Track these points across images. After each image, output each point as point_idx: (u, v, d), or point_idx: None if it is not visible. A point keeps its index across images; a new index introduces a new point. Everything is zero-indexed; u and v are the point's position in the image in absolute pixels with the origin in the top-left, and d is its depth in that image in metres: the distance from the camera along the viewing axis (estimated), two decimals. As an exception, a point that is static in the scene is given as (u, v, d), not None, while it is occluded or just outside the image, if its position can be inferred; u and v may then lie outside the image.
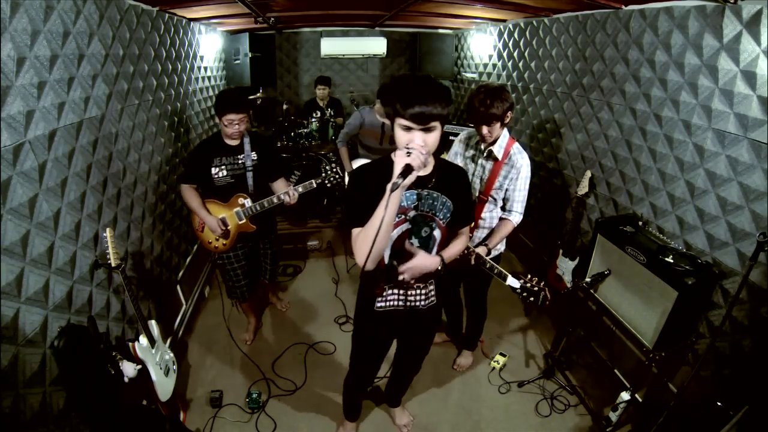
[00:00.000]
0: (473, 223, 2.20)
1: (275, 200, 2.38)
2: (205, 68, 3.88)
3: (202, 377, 2.66)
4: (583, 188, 2.79)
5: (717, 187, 1.98)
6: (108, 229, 1.80)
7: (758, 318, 1.81)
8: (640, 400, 2.24)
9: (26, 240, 1.50)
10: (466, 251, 1.99)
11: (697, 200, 2.09)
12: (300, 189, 2.38)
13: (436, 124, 1.29)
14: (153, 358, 1.99)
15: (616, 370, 2.48)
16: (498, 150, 2.08)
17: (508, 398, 2.55)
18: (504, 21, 4.00)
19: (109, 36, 2.08)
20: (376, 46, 5.64)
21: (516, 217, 2.15)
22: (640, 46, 2.37)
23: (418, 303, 1.63)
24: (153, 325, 2.08)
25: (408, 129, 1.28)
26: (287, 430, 2.33)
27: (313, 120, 4.74)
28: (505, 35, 4.07)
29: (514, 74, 3.95)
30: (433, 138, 1.31)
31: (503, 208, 2.20)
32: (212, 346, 2.92)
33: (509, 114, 2.01)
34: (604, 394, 2.47)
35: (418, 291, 1.61)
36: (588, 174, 2.80)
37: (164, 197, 2.88)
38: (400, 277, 1.47)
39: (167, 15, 2.89)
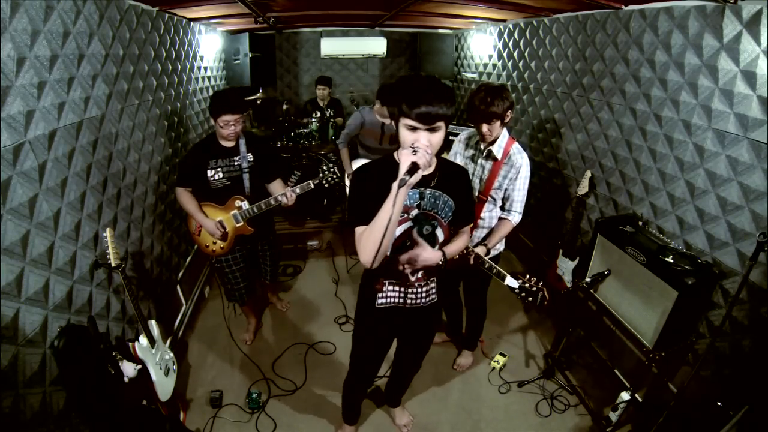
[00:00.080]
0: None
1: (273, 202, 2.36)
2: (205, 68, 3.88)
3: (202, 377, 2.66)
4: (583, 188, 2.79)
5: (717, 187, 1.98)
6: (108, 229, 1.80)
7: (758, 318, 1.81)
8: (640, 400, 2.24)
9: (26, 240, 1.50)
10: (465, 251, 1.99)
11: (697, 200, 2.09)
12: (297, 190, 2.36)
13: (441, 124, 1.29)
14: (153, 358, 1.99)
15: (616, 370, 2.48)
16: (497, 150, 2.08)
17: (508, 398, 2.55)
18: (504, 21, 4.00)
19: (109, 36, 2.08)
20: (376, 46, 5.63)
21: (515, 217, 2.16)
22: (640, 46, 2.37)
23: (418, 301, 1.63)
24: (153, 325, 2.08)
25: (413, 129, 1.29)
26: (287, 430, 2.33)
27: (313, 120, 4.74)
28: (505, 35, 4.07)
29: (514, 74, 3.95)
30: (438, 138, 1.31)
31: (503, 208, 2.20)
32: (212, 346, 2.93)
33: (509, 113, 2.02)
34: (604, 394, 2.47)
35: (419, 289, 1.61)
36: (588, 174, 2.80)
37: (164, 197, 2.88)
38: (401, 267, 1.47)
39: (167, 15, 2.89)
